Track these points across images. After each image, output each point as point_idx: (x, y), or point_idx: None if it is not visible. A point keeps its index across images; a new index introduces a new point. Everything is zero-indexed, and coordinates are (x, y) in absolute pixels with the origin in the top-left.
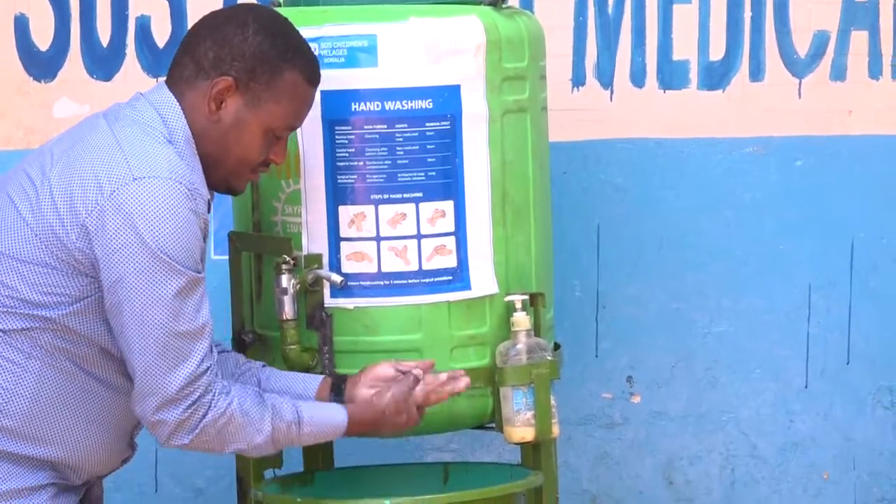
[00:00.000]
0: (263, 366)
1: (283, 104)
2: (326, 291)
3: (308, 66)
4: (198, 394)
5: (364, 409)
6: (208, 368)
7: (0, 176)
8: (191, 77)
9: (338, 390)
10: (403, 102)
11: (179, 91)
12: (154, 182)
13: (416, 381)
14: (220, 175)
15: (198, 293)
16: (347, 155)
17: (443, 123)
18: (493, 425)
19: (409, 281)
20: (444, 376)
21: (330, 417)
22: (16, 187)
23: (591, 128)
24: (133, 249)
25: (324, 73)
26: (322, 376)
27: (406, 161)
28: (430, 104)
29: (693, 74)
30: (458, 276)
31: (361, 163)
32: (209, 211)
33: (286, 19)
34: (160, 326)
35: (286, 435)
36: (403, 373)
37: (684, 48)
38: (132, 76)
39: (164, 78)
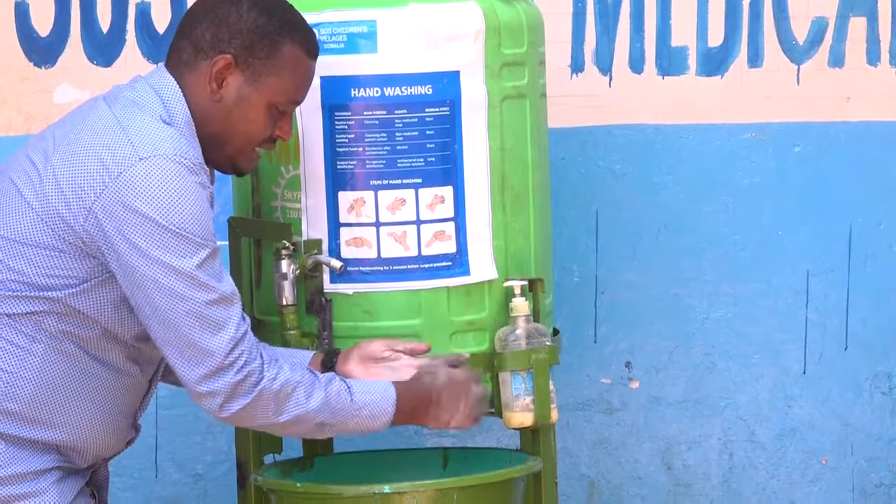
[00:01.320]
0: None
1: (283, 78)
2: (326, 277)
3: (305, 38)
4: (244, 358)
5: (412, 386)
6: (246, 332)
7: (2, 161)
8: (190, 59)
9: (329, 364)
10: (403, 88)
11: (179, 74)
12: (159, 160)
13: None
14: (226, 154)
15: (218, 262)
16: (347, 141)
17: (442, 109)
18: (493, 410)
19: (409, 266)
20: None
21: (377, 385)
22: (19, 172)
23: (590, 114)
24: (149, 230)
25: (323, 58)
26: (313, 352)
27: (405, 147)
28: (430, 90)
29: (692, 61)
30: (458, 261)
31: (361, 148)
32: (212, 183)
33: None
34: (191, 300)
35: (338, 401)
36: (399, 352)
37: (683, 34)
38: (132, 62)
39: (163, 62)
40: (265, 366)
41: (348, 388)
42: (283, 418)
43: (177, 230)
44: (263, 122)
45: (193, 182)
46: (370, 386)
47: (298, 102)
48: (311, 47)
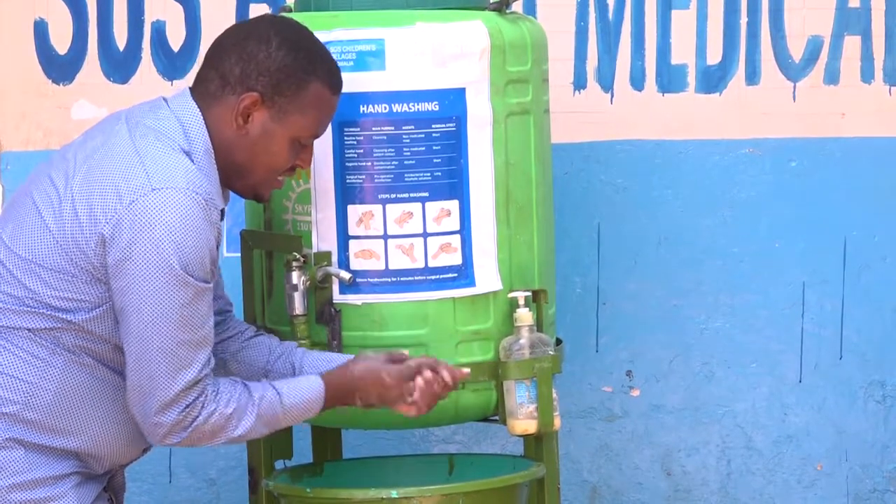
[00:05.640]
0: (297, 347)
1: (308, 115)
2: (335, 288)
3: (330, 75)
4: (192, 397)
5: (338, 375)
6: (205, 376)
7: (23, 176)
8: (217, 91)
9: None
10: (410, 105)
11: (205, 104)
12: (172, 193)
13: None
14: (248, 183)
15: (204, 303)
16: (356, 156)
17: (448, 125)
18: (497, 418)
19: (416, 278)
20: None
21: (307, 387)
22: (40, 193)
23: (592, 129)
24: (146, 258)
25: (341, 89)
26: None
27: (413, 162)
28: (436, 106)
29: (691, 78)
30: (463, 273)
31: (369, 163)
32: (222, 219)
33: (306, 30)
34: (166, 335)
35: (271, 416)
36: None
37: (682, 52)
38: (148, 79)
39: (188, 86)
40: (205, 403)
41: (279, 395)
42: (218, 441)
43: (174, 266)
44: (286, 155)
45: (202, 218)
46: (300, 387)
47: (319, 135)
48: (335, 83)
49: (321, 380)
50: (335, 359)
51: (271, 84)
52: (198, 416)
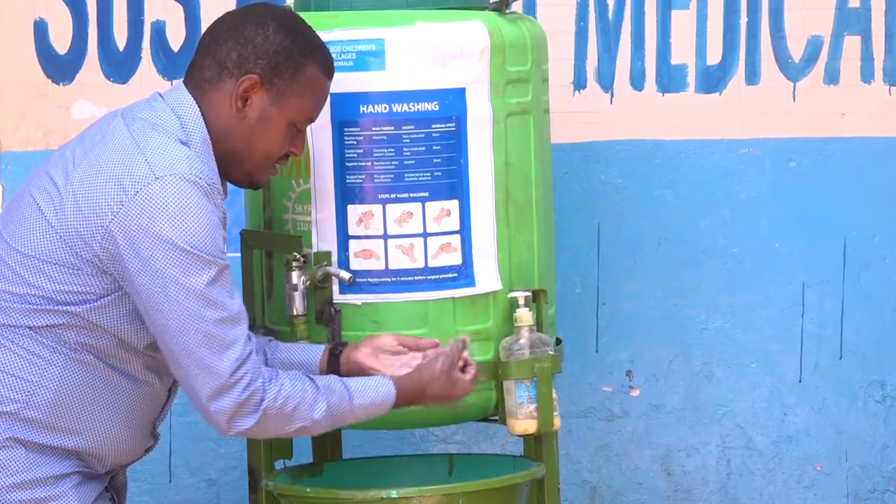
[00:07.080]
0: (270, 340)
1: (304, 97)
2: (335, 288)
3: (325, 59)
4: (248, 377)
5: (410, 381)
6: (251, 352)
7: (23, 176)
8: (213, 77)
9: (336, 354)
10: (410, 105)
11: (201, 92)
12: (175, 180)
13: (460, 350)
14: (245, 170)
15: (227, 279)
16: (356, 155)
17: (448, 125)
18: (497, 418)
19: (416, 278)
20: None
21: (376, 387)
22: (40, 190)
23: (592, 129)
24: (162, 248)
25: (333, 75)
26: (324, 346)
27: (412, 161)
28: (436, 106)
29: (691, 78)
30: (463, 273)
31: (369, 163)
32: (224, 197)
33: (299, 16)
34: (199, 318)
35: (339, 408)
36: (409, 348)
37: (682, 52)
38: (148, 79)
39: (182, 79)
40: (267, 384)
41: (349, 394)
42: (290, 429)
43: (189, 248)
44: (282, 139)
45: (206, 201)
46: (370, 388)
47: (313, 120)
48: (329, 68)
49: (393, 386)
50: (307, 348)
51: (270, 66)
52: (265, 398)
